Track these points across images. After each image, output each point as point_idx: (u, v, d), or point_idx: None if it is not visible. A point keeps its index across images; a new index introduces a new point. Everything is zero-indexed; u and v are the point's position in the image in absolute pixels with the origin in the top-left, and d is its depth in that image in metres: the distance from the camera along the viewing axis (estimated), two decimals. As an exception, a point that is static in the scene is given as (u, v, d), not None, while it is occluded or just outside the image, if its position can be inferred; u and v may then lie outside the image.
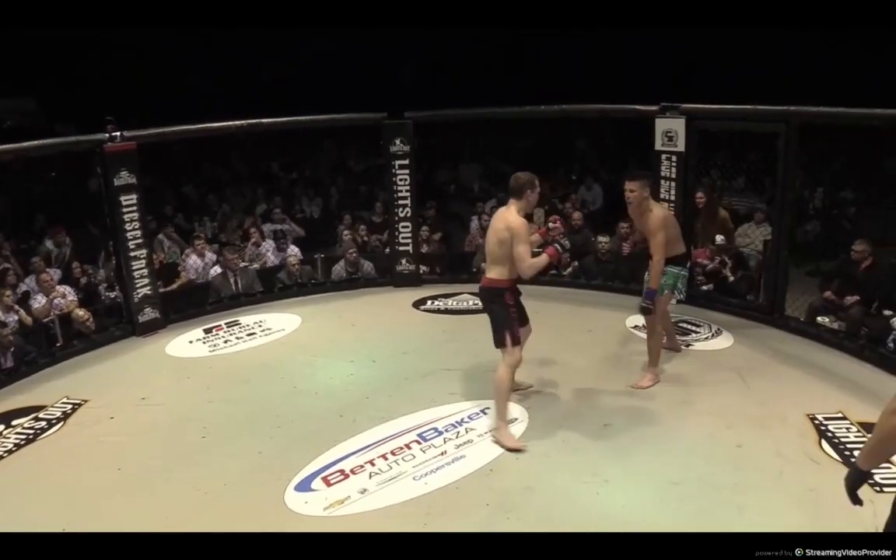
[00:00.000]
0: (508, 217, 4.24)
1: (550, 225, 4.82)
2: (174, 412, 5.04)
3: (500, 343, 4.35)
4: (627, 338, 5.99)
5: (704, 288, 6.83)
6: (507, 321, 4.31)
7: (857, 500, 2.21)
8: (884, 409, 2.09)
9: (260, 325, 6.71)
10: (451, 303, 7.12)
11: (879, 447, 2.13)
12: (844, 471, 3.98)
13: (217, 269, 7.59)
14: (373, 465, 4.17)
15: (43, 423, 4.96)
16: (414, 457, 4.23)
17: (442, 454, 4.25)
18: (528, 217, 4.40)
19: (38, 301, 6.64)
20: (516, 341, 4.33)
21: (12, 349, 5.80)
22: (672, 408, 4.70)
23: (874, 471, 3.47)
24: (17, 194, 6.33)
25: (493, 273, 4.32)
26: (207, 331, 6.63)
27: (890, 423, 2.05)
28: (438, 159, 11.44)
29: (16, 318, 6.25)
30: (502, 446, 4.30)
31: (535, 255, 4.26)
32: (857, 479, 2.20)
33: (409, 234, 7.63)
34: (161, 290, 6.91)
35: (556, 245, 4.34)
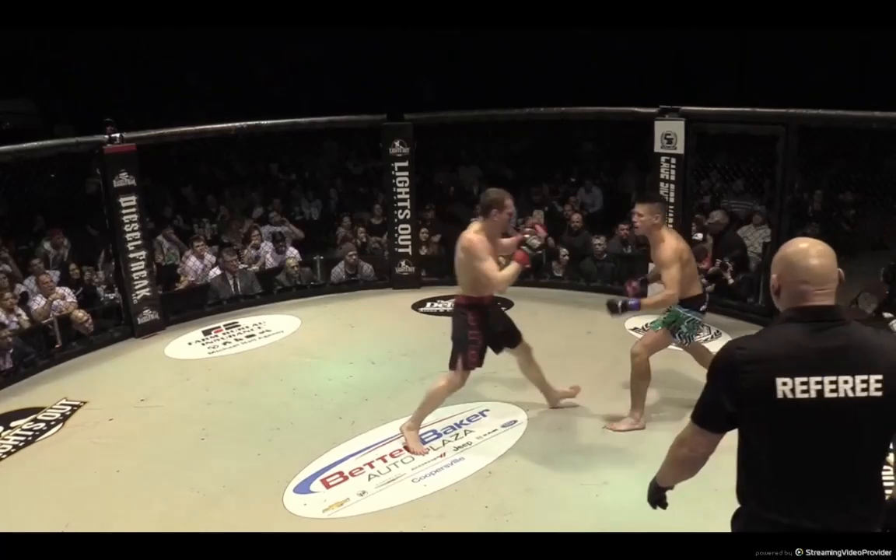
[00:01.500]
0: (464, 238, 4.07)
1: (526, 228, 4.41)
2: (173, 414, 5.04)
3: (451, 364, 4.20)
4: (627, 340, 5.97)
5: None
6: (464, 344, 4.14)
7: (660, 505, 2.27)
8: (677, 435, 2.09)
9: (259, 327, 6.70)
10: (450, 305, 7.05)
11: (669, 471, 2.16)
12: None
13: (216, 271, 7.59)
14: (372, 467, 4.17)
15: (42, 425, 4.96)
16: (413, 459, 4.23)
17: (441, 456, 4.25)
18: (506, 235, 4.24)
19: (38, 302, 6.63)
20: (467, 366, 4.16)
21: (11, 350, 5.79)
22: (671, 410, 4.69)
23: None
24: (16, 196, 6.33)
25: (460, 291, 4.23)
26: (206, 332, 6.62)
27: (677, 453, 2.07)
28: (438, 161, 11.45)
29: (16, 319, 6.24)
30: (406, 447, 4.32)
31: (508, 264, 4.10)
32: (653, 493, 2.26)
33: (409, 237, 7.62)
34: (161, 292, 6.90)
35: (524, 248, 4.13)
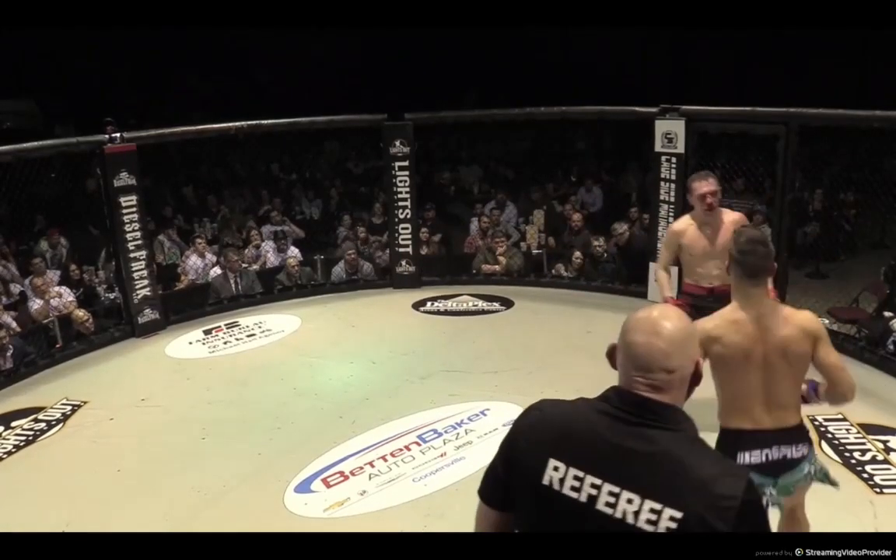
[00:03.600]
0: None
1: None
2: (174, 413, 5.04)
3: None
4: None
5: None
6: None
7: None
8: None
9: (259, 327, 6.70)
10: (450, 304, 7.11)
11: None
12: (844, 472, 3.98)
13: (217, 270, 7.59)
14: (372, 466, 4.17)
15: (42, 425, 4.96)
16: (413, 458, 4.23)
17: (441, 456, 4.25)
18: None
19: (36, 303, 6.63)
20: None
21: (11, 350, 5.79)
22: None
23: (874, 472, 3.41)
24: (16, 196, 6.34)
25: None
26: (207, 332, 6.62)
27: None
28: (438, 161, 11.46)
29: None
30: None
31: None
32: None
33: (409, 236, 7.62)
34: (161, 291, 6.90)
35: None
